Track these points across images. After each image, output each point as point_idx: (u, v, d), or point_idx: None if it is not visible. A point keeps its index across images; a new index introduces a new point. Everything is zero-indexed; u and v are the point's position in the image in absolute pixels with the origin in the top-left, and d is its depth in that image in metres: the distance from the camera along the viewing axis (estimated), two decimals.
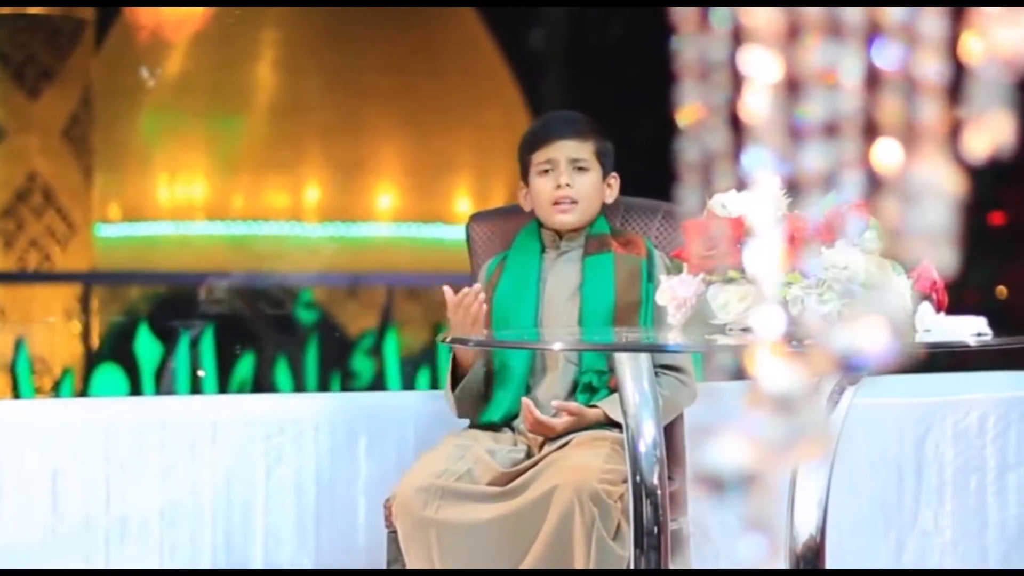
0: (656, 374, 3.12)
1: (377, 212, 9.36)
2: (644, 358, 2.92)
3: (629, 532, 3.01)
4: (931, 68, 1.02)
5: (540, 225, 3.57)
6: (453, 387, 3.48)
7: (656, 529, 2.95)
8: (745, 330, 2.78)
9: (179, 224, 9.25)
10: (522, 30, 9.68)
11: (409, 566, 3.24)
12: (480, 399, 3.51)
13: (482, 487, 3.24)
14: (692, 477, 1.06)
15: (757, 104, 1.04)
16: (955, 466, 4.33)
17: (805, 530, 3.06)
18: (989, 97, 1.01)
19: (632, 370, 2.91)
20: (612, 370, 3.28)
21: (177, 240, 9.26)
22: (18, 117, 8.71)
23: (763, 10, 1.03)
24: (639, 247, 3.52)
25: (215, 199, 9.25)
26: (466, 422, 3.55)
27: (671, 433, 3.45)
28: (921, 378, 4.44)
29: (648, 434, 2.93)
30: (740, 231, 2.78)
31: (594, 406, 3.39)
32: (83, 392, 8.58)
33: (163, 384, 8.49)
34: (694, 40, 1.05)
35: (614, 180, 3.58)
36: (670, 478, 3.17)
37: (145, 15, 9.25)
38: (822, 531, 3.07)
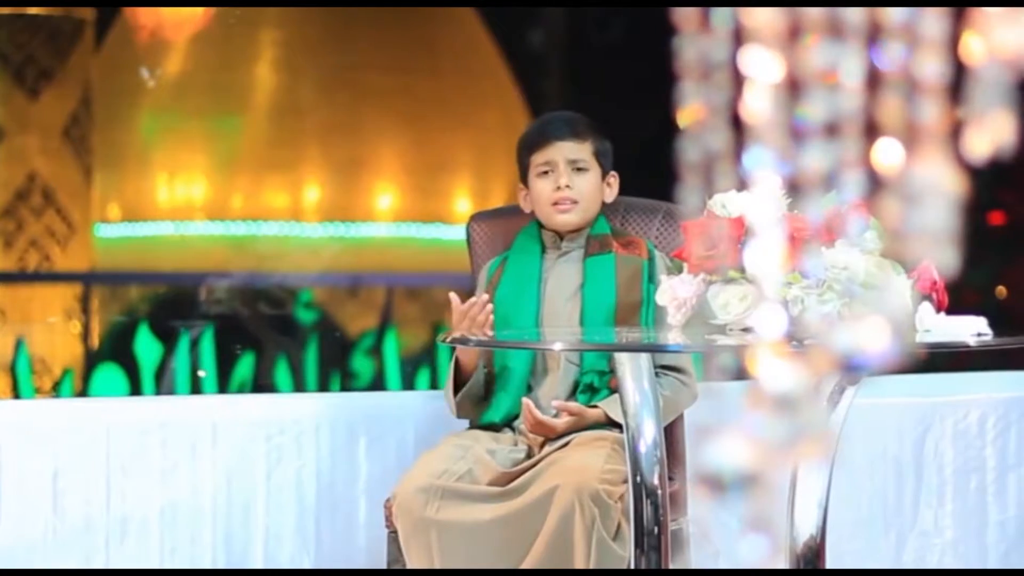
0: (656, 374, 3.12)
1: (377, 212, 9.36)
2: (645, 358, 2.92)
3: (629, 532, 3.01)
4: (931, 68, 1.02)
5: (540, 226, 3.57)
6: (456, 391, 3.49)
7: (656, 529, 2.95)
8: (745, 330, 2.79)
9: (179, 224, 9.24)
10: (522, 30, 9.67)
11: (409, 566, 3.24)
12: (480, 401, 3.51)
13: (482, 487, 3.24)
14: (692, 477, 1.06)
15: (758, 104, 1.04)
16: (955, 466, 4.33)
17: (805, 530, 3.06)
18: (989, 97, 1.01)
19: (632, 370, 2.91)
20: (613, 370, 3.28)
21: (177, 240, 9.26)
22: (18, 117, 8.71)
23: (764, 10, 1.03)
24: (640, 248, 3.52)
25: (215, 199, 9.25)
26: (466, 422, 3.55)
27: (671, 433, 3.45)
28: (921, 378, 4.44)
29: (648, 434, 2.93)
30: (740, 231, 2.78)
31: (595, 406, 3.39)
32: (83, 392, 8.57)
33: (163, 384, 8.49)
34: (695, 40, 1.05)
35: (613, 179, 3.58)
36: (670, 478, 3.17)
37: (145, 15, 9.25)
38: (822, 531, 3.07)
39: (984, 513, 4.34)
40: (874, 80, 1.03)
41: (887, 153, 1.03)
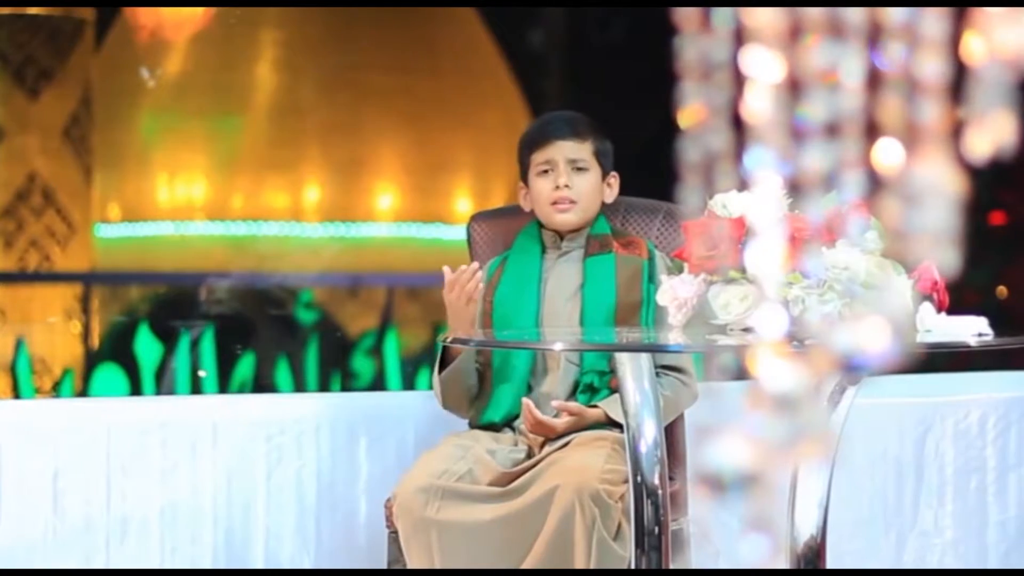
0: (657, 374, 3.12)
1: (377, 212, 9.36)
2: (645, 358, 2.92)
3: (630, 532, 3.01)
4: (932, 68, 1.02)
5: (541, 226, 3.57)
6: (442, 371, 3.48)
7: (657, 529, 2.95)
8: (746, 330, 2.79)
9: (179, 224, 9.24)
10: (523, 30, 9.67)
11: (410, 566, 3.24)
12: (468, 391, 3.50)
13: (483, 487, 3.24)
14: (693, 477, 1.06)
15: (758, 104, 1.04)
16: (955, 466, 4.33)
17: (806, 530, 3.06)
18: (990, 97, 1.01)
19: (633, 370, 2.91)
20: (613, 370, 3.28)
21: (177, 240, 9.25)
22: (18, 117, 8.71)
23: (764, 10, 1.03)
24: (640, 248, 3.52)
25: (215, 199, 9.24)
26: (466, 422, 3.55)
27: (672, 433, 3.45)
28: (922, 378, 4.44)
29: (649, 434, 2.93)
30: (741, 231, 2.78)
31: (595, 406, 3.39)
32: (83, 392, 8.57)
33: (163, 384, 8.48)
34: (695, 40, 1.05)
35: (614, 180, 3.58)
36: (671, 478, 3.17)
37: (145, 15, 9.25)
38: (823, 531, 3.07)
39: (984, 513, 4.34)
40: (875, 80, 1.03)
41: (888, 153, 1.03)
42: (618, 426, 3.23)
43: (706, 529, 3.39)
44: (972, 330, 2.85)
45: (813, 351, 1.05)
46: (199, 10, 9.34)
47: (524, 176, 3.57)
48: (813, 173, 1.04)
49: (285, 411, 4.00)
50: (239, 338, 8.75)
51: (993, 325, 2.87)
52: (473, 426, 3.51)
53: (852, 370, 1.06)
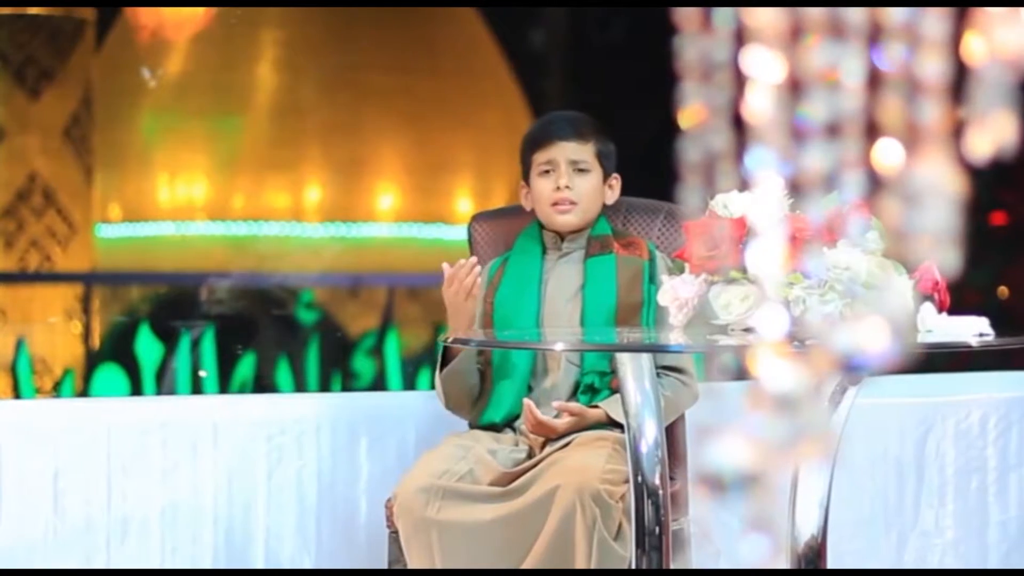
0: (658, 374, 3.12)
1: (378, 212, 9.36)
2: (646, 358, 2.92)
3: (630, 532, 3.01)
4: (933, 68, 1.02)
5: (541, 226, 3.57)
6: (442, 371, 3.49)
7: (658, 529, 2.95)
8: (747, 330, 2.79)
9: (180, 224, 9.24)
10: (523, 30, 9.67)
11: (410, 566, 3.24)
12: (470, 391, 3.50)
13: (483, 487, 3.24)
14: (694, 477, 1.06)
15: (759, 104, 1.04)
16: (956, 466, 4.33)
17: (806, 530, 3.06)
18: (991, 97, 1.01)
19: (634, 370, 2.91)
20: (614, 371, 3.28)
21: (178, 240, 9.25)
22: (18, 117, 8.70)
23: (765, 10, 1.03)
24: (641, 249, 3.52)
25: (216, 199, 9.24)
26: (467, 422, 3.56)
27: (672, 433, 3.45)
28: (923, 378, 4.44)
29: (650, 434, 2.93)
30: (742, 231, 2.78)
31: (596, 406, 3.39)
32: (84, 392, 8.57)
33: (164, 384, 8.49)
34: (696, 40, 1.05)
35: (615, 181, 3.58)
36: (672, 478, 3.17)
37: (146, 15, 9.25)
38: (823, 531, 3.07)
39: (985, 513, 4.34)
40: (875, 80, 1.03)
41: (888, 153, 1.03)
42: (619, 426, 3.23)
43: (707, 529, 3.38)
44: (973, 330, 2.85)
45: (814, 351, 1.05)
46: (200, 10, 9.34)
47: (526, 175, 3.57)
48: (814, 173, 1.04)
49: (286, 411, 4.00)
50: (240, 338, 8.75)
51: (994, 325, 2.87)
52: (474, 426, 3.51)
53: (853, 370, 1.06)
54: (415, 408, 4.04)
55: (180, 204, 9.24)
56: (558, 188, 3.49)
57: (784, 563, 3.04)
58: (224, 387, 8.55)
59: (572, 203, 3.50)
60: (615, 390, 3.34)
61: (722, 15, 1.05)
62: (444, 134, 9.47)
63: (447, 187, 9.48)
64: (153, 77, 9.34)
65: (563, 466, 3.21)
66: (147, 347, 8.63)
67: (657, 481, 2.94)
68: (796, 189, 1.05)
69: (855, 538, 4.21)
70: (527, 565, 3.15)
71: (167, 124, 9.30)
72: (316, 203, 9.29)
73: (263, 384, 8.62)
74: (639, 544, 2.96)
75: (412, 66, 9.39)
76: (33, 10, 8.75)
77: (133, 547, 3.82)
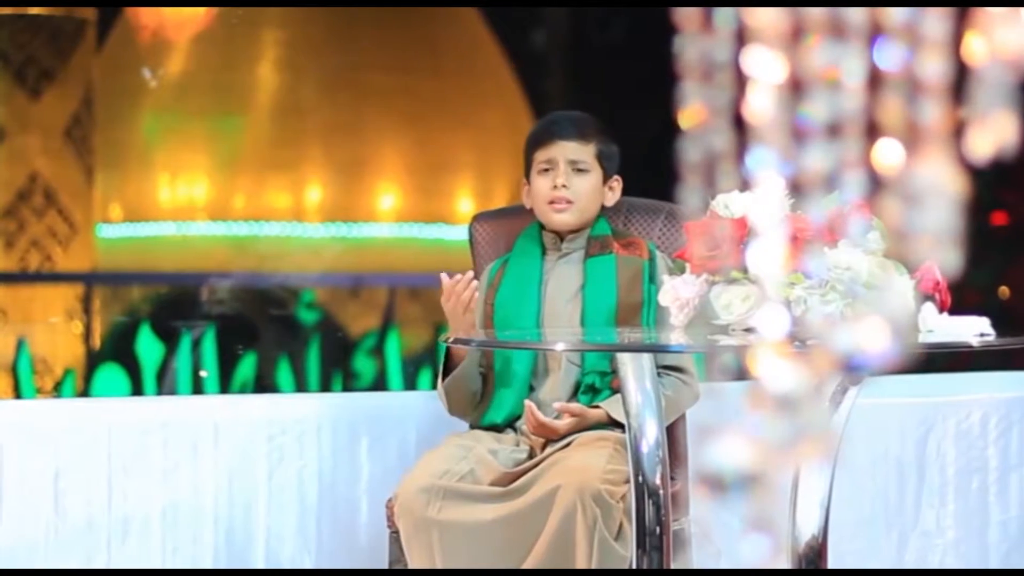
0: (658, 374, 3.12)
1: (379, 212, 9.36)
2: (647, 358, 2.92)
3: (631, 532, 3.01)
4: (934, 68, 1.02)
5: (542, 227, 3.57)
6: (445, 378, 3.49)
7: (658, 529, 2.95)
8: (748, 331, 2.78)
9: (181, 224, 9.24)
10: (524, 30, 9.67)
11: (411, 566, 3.24)
12: (473, 396, 3.51)
13: (484, 487, 3.24)
14: (694, 477, 1.06)
15: (760, 104, 1.04)
16: (957, 466, 4.33)
17: (807, 530, 3.06)
18: (992, 97, 1.01)
19: (634, 370, 2.91)
20: (614, 371, 3.28)
21: (179, 240, 9.25)
22: (19, 117, 8.71)
23: (766, 10, 1.03)
24: (641, 249, 3.52)
25: (217, 199, 9.24)
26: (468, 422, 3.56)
27: (673, 433, 3.45)
28: (923, 378, 4.44)
29: (650, 434, 2.93)
30: (743, 232, 2.78)
31: (596, 406, 3.39)
32: (85, 392, 8.57)
33: (165, 384, 8.49)
34: (697, 40, 1.05)
35: (616, 183, 3.57)
36: (672, 478, 3.17)
37: (147, 15, 9.25)
38: (824, 531, 3.07)
39: (986, 513, 4.34)
40: (876, 80, 1.03)
41: (889, 153, 1.03)
42: (620, 426, 3.23)
43: (707, 529, 3.38)
44: (974, 330, 2.85)
45: (815, 351, 1.05)
46: (201, 10, 9.34)
47: (527, 173, 3.57)
48: (814, 173, 1.04)
49: (286, 411, 4.00)
50: (240, 338, 8.75)
51: (995, 325, 2.87)
52: (475, 426, 3.51)
53: (854, 370, 1.06)
54: (416, 408, 4.04)
55: (181, 204, 9.24)
56: (555, 187, 3.49)
57: (785, 563, 3.04)
58: (225, 387, 8.55)
59: (568, 202, 3.50)
60: (616, 390, 3.34)
61: (723, 15, 1.05)
62: (445, 134, 9.47)
63: (448, 187, 9.48)
64: (154, 77, 9.34)
65: (564, 466, 3.21)
66: (148, 347, 8.63)
67: (658, 481, 2.94)
68: (797, 189, 1.05)
69: (856, 538, 4.21)
70: (528, 565, 3.15)
71: (168, 124, 9.31)
72: (317, 203, 9.30)
73: (264, 384, 8.63)
74: (640, 544, 2.96)
75: (413, 66, 9.39)
76: (34, 10, 8.75)
77: (134, 547, 3.82)
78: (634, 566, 3.00)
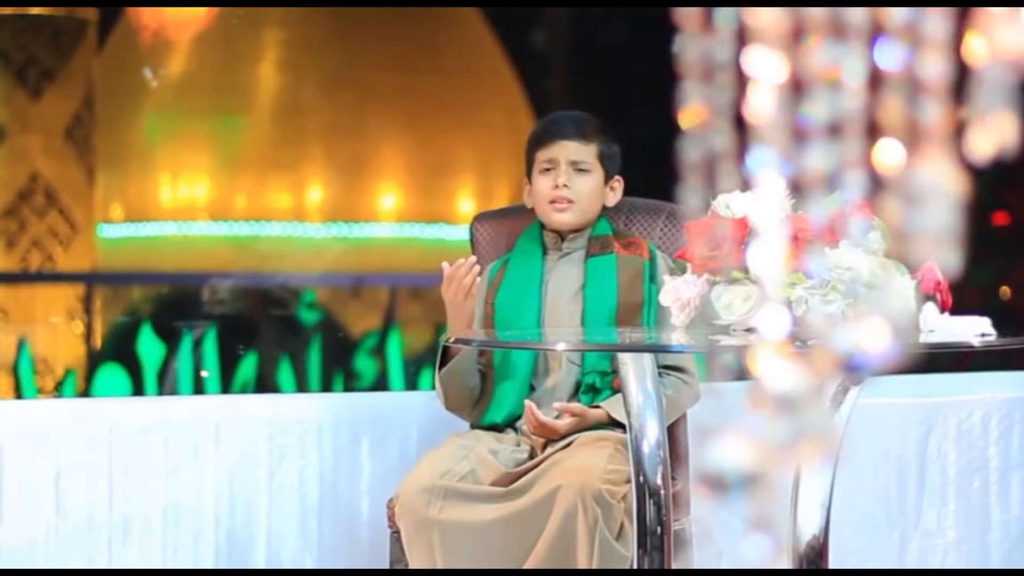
0: (659, 374, 3.11)
1: (380, 212, 9.36)
2: (647, 358, 2.92)
3: (632, 532, 3.01)
4: (935, 68, 1.02)
5: (542, 227, 3.57)
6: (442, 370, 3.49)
7: (659, 529, 2.95)
8: (749, 331, 2.78)
9: (182, 224, 9.25)
10: (526, 30, 9.67)
11: (412, 566, 3.24)
12: (470, 391, 3.50)
13: (485, 487, 3.24)
14: (695, 477, 1.06)
15: (761, 104, 1.04)
16: (958, 466, 4.33)
17: (808, 530, 3.06)
18: (993, 97, 1.01)
19: (635, 370, 2.91)
20: (615, 371, 3.28)
21: (180, 240, 9.26)
22: (20, 117, 8.71)
23: (767, 10, 1.03)
24: (641, 248, 3.52)
25: (218, 199, 9.25)
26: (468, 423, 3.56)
27: (674, 433, 3.45)
28: (924, 378, 4.44)
29: (651, 434, 2.93)
30: (744, 232, 2.78)
31: (597, 406, 3.39)
32: (86, 392, 8.57)
33: (166, 384, 8.49)
34: (698, 40, 1.05)
35: (618, 184, 3.57)
36: (673, 478, 3.17)
37: (148, 15, 9.25)
38: (825, 531, 3.07)
39: (987, 513, 4.34)
40: (877, 80, 1.03)
41: (890, 154, 1.03)
42: (620, 426, 3.23)
43: (708, 529, 3.38)
44: (975, 330, 2.85)
45: (816, 351, 1.05)
46: (202, 10, 9.35)
47: (529, 173, 3.57)
48: (815, 173, 1.04)
49: (287, 411, 4.00)
50: (241, 338, 8.76)
51: (996, 325, 2.87)
52: (475, 426, 3.51)
53: (855, 370, 1.06)
54: (417, 408, 4.04)
55: (182, 204, 9.25)
56: (556, 186, 3.49)
57: (786, 563, 3.04)
58: (226, 387, 8.56)
59: (569, 202, 3.50)
60: (616, 390, 3.34)
61: (723, 15, 1.05)
62: (446, 134, 9.47)
63: (449, 187, 9.49)
64: (155, 77, 9.34)
65: (565, 466, 3.21)
66: (149, 347, 8.64)
67: (659, 481, 2.94)
68: (797, 189, 1.05)
69: (857, 538, 4.21)
70: (529, 565, 3.15)
71: (169, 124, 9.31)
72: (318, 203, 9.30)
73: (265, 384, 8.63)
74: (641, 544, 2.96)
75: (414, 66, 9.39)
76: (35, 10, 8.75)
77: (135, 547, 3.82)
78: (635, 566, 3.00)
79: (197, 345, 8.58)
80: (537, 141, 3.55)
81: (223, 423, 3.90)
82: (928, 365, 4.32)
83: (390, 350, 9.13)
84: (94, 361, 8.85)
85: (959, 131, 1.02)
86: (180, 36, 9.33)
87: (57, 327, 8.80)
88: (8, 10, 8.71)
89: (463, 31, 9.71)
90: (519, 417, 3.43)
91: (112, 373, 8.61)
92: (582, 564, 3.09)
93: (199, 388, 8.55)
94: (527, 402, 3.37)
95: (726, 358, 2.74)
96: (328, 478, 3.96)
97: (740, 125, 1.05)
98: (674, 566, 3.04)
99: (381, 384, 8.93)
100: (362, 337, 9.26)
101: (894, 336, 1.04)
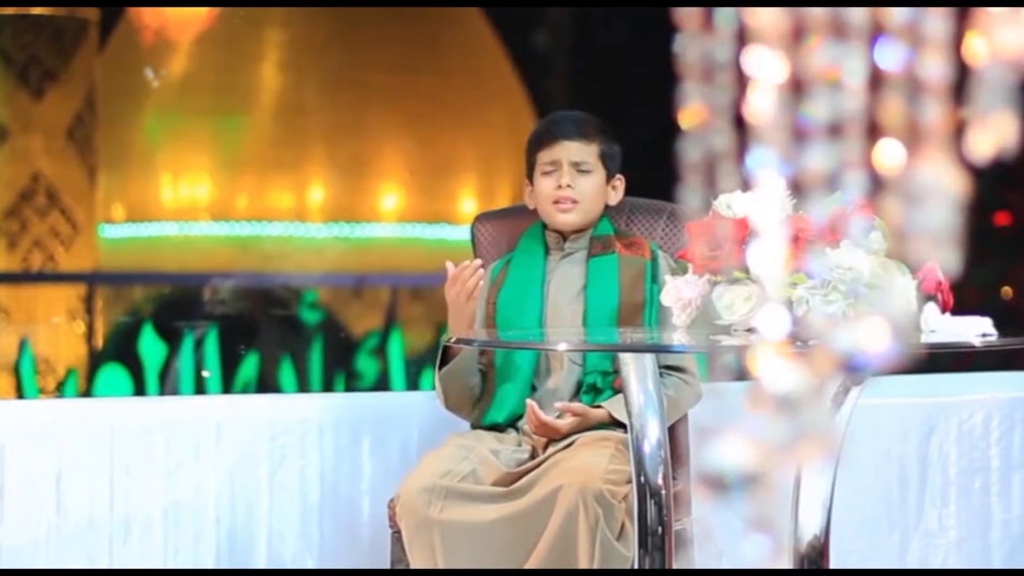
0: (660, 375, 3.11)
1: (382, 212, 9.36)
2: (649, 358, 2.92)
3: (633, 532, 3.01)
4: (935, 68, 1.02)
5: (544, 227, 3.57)
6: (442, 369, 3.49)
7: (660, 529, 2.95)
8: (750, 331, 2.78)
9: (183, 224, 9.24)
10: (527, 30, 9.67)
11: (413, 566, 3.24)
12: (470, 390, 3.50)
13: (486, 487, 3.24)
14: (696, 477, 1.06)
15: (761, 104, 1.04)
16: (959, 466, 4.33)
17: (809, 530, 3.06)
18: (993, 97, 1.01)
19: (637, 370, 2.91)
20: (616, 371, 3.28)
21: (181, 240, 9.26)
22: (22, 117, 8.71)
23: (767, 10, 1.03)
24: (643, 248, 3.52)
25: (219, 199, 9.25)
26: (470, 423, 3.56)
27: (675, 433, 3.45)
28: (926, 378, 4.44)
29: (652, 434, 2.93)
30: (745, 232, 2.78)
31: (598, 406, 3.39)
32: (87, 392, 8.57)
33: (167, 384, 8.49)
34: (698, 40, 1.05)
35: (619, 182, 3.57)
36: (674, 478, 3.17)
37: (149, 15, 9.25)
38: (826, 531, 3.07)
39: (988, 513, 4.34)
40: (877, 80, 1.03)
41: (891, 154, 1.03)
42: (622, 426, 3.23)
43: (709, 529, 3.38)
44: (976, 330, 2.85)
45: (817, 352, 1.05)
46: (203, 10, 9.35)
47: (530, 175, 3.57)
48: (815, 174, 1.04)
49: (289, 411, 4.00)
50: (243, 338, 8.76)
51: (997, 325, 2.87)
52: (476, 426, 3.51)
53: (856, 370, 1.06)
54: (418, 408, 4.04)
55: (183, 204, 9.25)
56: (560, 187, 3.49)
57: (787, 563, 3.04)
58: (227, 387, 8.56)
59: (574, 202, 3.50)
60: (618, 390, 3.34)
61: (724, 15, 1.05)
62: (448, 134, 9.47)
63: (451, 187, 9.48)
64: (156, 77, 9.34)
65: (566, 466, 3.21)
66: (150, 347, 8.64)
67: (660, 481, 2.94)
68: (798, 189, 1.05)
69: (858, 538, 4.21)
70: (530, 565, 3.15)
71: (170, 124, 9.31)
72: (319, 203, 9.30)
73: (266, 384, 8.63)
74: (642, 544, 2.96)
75: (416, 66, 9.39)
76: (36, 10, 8.75)
77: (136, 547, 3.82)
78: (636, 566, 3.00)
79: (198, 345, 8.58)
80: (538, 142, 3.55)
81: (224, 423, 3.90)
82: (929, 365, 4.32)
83: (391, 350, 9.12)
84: (95, 361, 8.85)
85: (959, 131, 1.02)
86: (181, 36, 9.33)
87: (59, 327, 8.80)
88: (10, 10, 8.71)
89: (465, 31, 9.71)
90: (520, 417, 3.43)
91: (113, 373, 8.62)
92: (583, 564, 3.09)
93: (200, 388, 8.55)
94: (529, 402, 3.37)
95: (727, 358, 2.74)
96: (329, 478, 3.96)
97: (740, 125, 1.05)
98: (675, 566, 3.04)
99: (382, 384, 8.93)
100: (363, 337, 9.26)
101: (895, 336, 1.04)
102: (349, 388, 8.90)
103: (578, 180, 3.50)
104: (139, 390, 8.45)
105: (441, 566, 3.18)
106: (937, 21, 1.02)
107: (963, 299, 2.95)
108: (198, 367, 8.56)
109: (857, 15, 1.03)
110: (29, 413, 4.01)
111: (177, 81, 9.39)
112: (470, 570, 3.17)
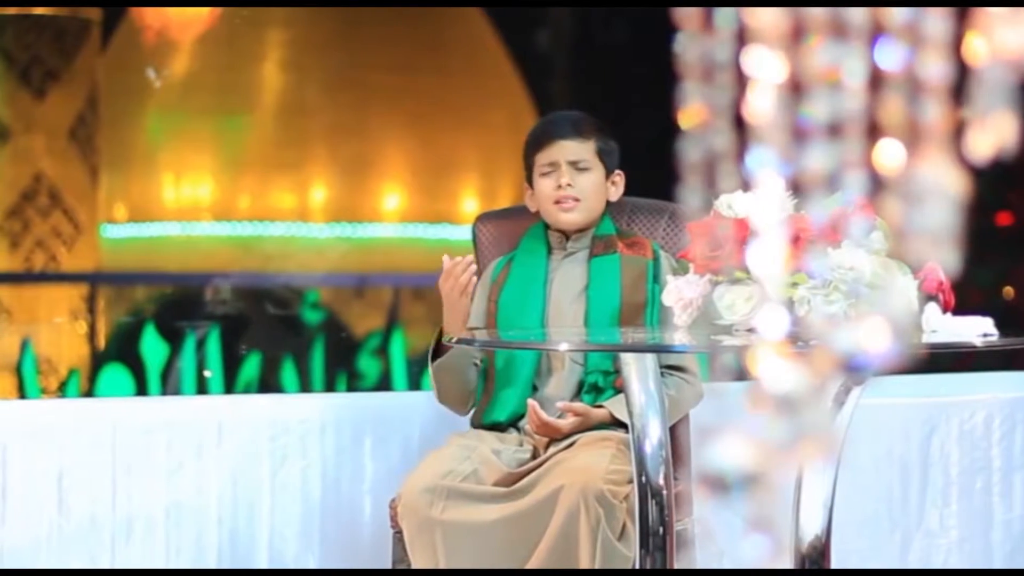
0: (662, 374, 3.12)
1: (384, 213, 9.36)
2: (650, 358, 2.92)
3: (634, 532, 3.01)
4: (935, 68, 1.02)
5: (546, 227, 3.57)
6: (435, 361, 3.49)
7: (661, 529, 2.95)
8: (751, 331, 2.78)
9: (185, 225, 9.24)
10: (529, 30, 9.67)
11: (414, 566, 3.24)
12: (464, 385, 3.50)
13: (488, 487, 3.24)
14: (697, 478, 1.06)
15: (761, 104, 1.04)
16: (961, 466, 4.33)
17: (810, 530, 3.06)
18: (993, 98, 1.01)
19: (638, 370, 2.91)
20: (618, 371, 3.28)
21: (183, 241, 9.25)
22: (24, 118, 8.71)
23: (767, 10, 1.03)
24: (645, 248, 3.52)
25: (221, 200, 9.24)
26: (471, 422, 3.55)
27: (676, 434, 3.45)
28: (927, 378, 4.44)
29: (654, 434, 2.93)
30: (745, 232, 2.78)
31: (600, 406, 3.39)
32: (89, 392, 8.57)
33: (169, 384, 8.49)
34: (698, 40, 1.05)
35: (619, 178, 3.58)
36: (675, 478, 3.17)
37: (151, 15, 9.25)
38: (827, 531, 3.07)
39: (989, 513, 4.34)
40: (877, 80, 1.03)
41: (891, 154, 1.03)
42: (623, 426, 3.23)
43: (710, 529, 3.38)
44: (977, 330, 2.85)
45: (818, 352, 1.05)
46: (205, 10, 9.34)
47: (529, 178, 3.57)
48: (815, 174, 1.04)
49: (290, 411, 4.00)
50: (245, 338, 8.75)
51: (998, 325, 2.87)
52: (477, 426, 3.51)
53: (857, 370, 1.06)
54: (420, 408, 4.04)
55: (185, 204, 9.24)
56: (559, 187, 3.49)
57: (788, 563, 3.04)
58: (229, 387, 8.55)
59: (575, 200, 3.50)
60: (619, 389, 3.34)
61: (723, 15, 1.05)
62: (449, 134, 9.47)
63: (452, 187, 9.48)
64: (159, 77, 9.34)
65: (567, 466, 3.21)
66: (152, 347, 8.64)
67: (661, 481, 2.94)
68: (798, 190, 1.05)
69: (859, 538, 4.21)
70: (531, 565, 3.15)
71: (172, 124, 9.31)
72: (321, 203, 9.30)
73: (268, 384, 8.63)
74: (643, 544, 2.97)
75: (417, 66, 9.39)
76: (39, 10, 8.75)
77: (138, 547, 3.82)
78: (637, 566, 3.00)
79: (200, 345, 8.58)
80: (535, 144, 3.56)
81: (226, 423, 3.90)
82: (930, 365, 4.32)
83: (393, 350, 9.12)
84: (97, 361, 8.85)
85: (959, 131, 1.02)
86: (183, 36, 9.32)
87: (61, 327, 8.80)
88: (12, 10, 8.71)
89: (466, 31, 9.71)
90: (522, 416, 3.43)
91: (115, 373, 8.62)
92: (584, 564, 3.09)
93: (202, 388, 8.55)
94: (530, 401, 3.37)
95: (728, 358, 2.74)
96: (331, 478, 3.96)
97: (740, 125, 1.05)
98: (676, 566, 3.04)
99: (384, 384, 8.93)
100: (365, 337, 9.26)
101: (896, 336, 1.04)
102: (351, 388, 8.90)
103: (577, 178, 3.50)
104: (141, 390, 8.44)
105: (443, 566, 3.18)
106: (937, 21, 1.02)
107: (964, 299, 2.94)
108: (200, 367, 8.56)
109: (857, 15, 1.03)
110: (31, 413, 4.01)
111: (179, 81, 9.39)
112: (472, 570, 3.17)
